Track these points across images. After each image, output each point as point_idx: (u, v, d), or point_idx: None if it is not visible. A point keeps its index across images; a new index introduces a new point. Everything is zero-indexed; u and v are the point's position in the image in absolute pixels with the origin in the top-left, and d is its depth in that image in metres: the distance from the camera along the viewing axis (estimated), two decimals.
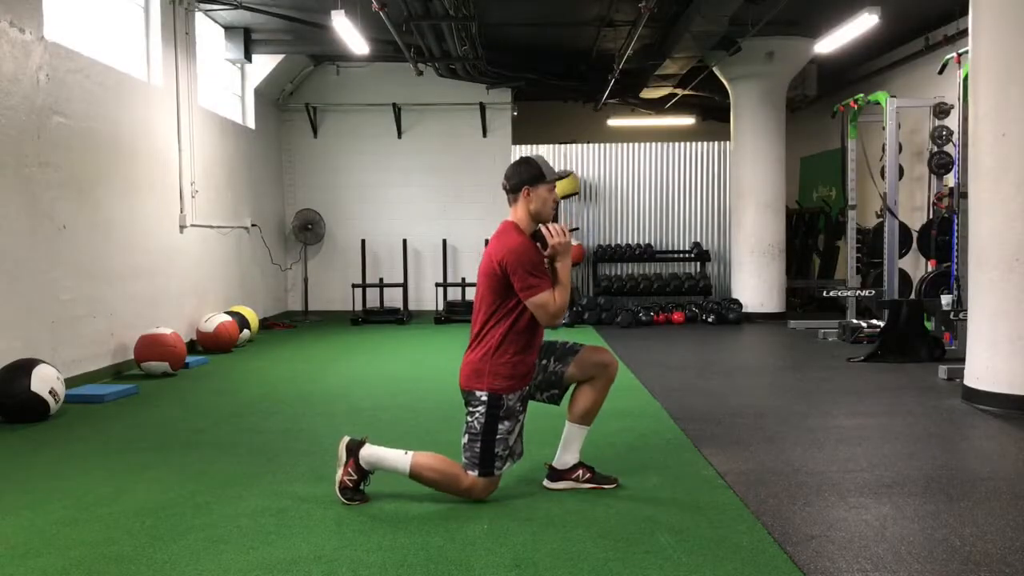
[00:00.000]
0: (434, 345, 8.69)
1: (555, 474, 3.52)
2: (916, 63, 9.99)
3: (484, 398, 3.29)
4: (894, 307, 7.36)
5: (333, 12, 7.42)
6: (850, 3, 7.92)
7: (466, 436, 3.35)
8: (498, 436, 3.30)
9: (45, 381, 5.00)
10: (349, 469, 3.37)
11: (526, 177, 3.39)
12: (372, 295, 11.56)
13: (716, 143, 12.29)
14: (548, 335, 3.50)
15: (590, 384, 3.46)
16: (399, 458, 3.35)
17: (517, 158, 3.51)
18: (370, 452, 3.38)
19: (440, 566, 2.70)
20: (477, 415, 3.31)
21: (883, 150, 8.61)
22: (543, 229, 3.36)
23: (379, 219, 11.94)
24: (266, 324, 10.24)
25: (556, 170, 3.40)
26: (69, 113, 6.12)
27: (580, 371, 3.45)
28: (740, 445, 4.27)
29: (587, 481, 3.48)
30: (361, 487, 3.40)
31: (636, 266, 11.99)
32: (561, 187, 10.94)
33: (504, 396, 3.30)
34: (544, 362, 3.46)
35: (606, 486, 3.48)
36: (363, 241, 11.70)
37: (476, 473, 3.31)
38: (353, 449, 3.40)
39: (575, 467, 3.51)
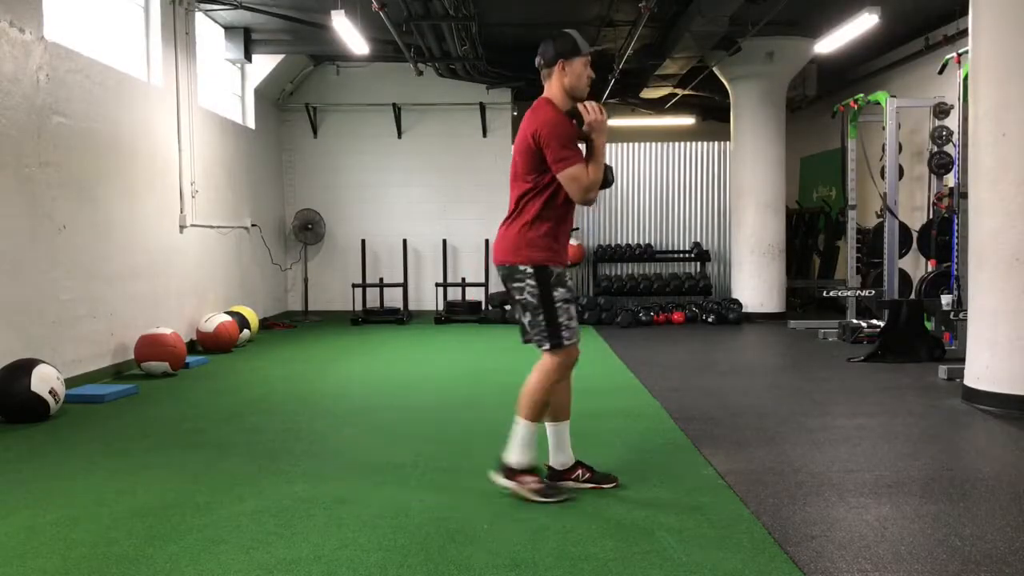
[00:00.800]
0: (434, 345, 8.69)
1: (555, 475, 3.49)
2: (916, 63, 9.99)
3: (529, 270, 3.28)
4: (894, 307, 7.36)
5: (333, 12, 7.42)
6: (850, 3, 7.92)
7: (527, 315, 3.33)
8: (557, 304, 3.28)
9: (45, 381, 5.00)
10: (522, 479, 3.34)
11: (561, 49, 3.34)
12: (372, 295, 11.56)
13: (716, 143, 12.30)
14: None
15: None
16: (519, 430, 3.34)
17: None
18: (512, 455, 3.36)
19: (440, 566, 2.70)
20: (528, 289, 3.29)
21: (883, 150, 8.61)
22: (580, 107, 3.33)
23: (379, 219, 11.94)
24: (266, 324, 10.24)
25: None
26: (69, 113, 6.12)
27: None
28: (740, 445, 4.27)
29: (587, 481, 3.46)
30: (542, 479, 3.39)
31: (636, 266, 12.00)
32: None
33: (549, 266, 3.29)
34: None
35: (606, 486, 3.47)
36: (363, 241, 11.70)
37: (548, 347, 3.30)
38: (507, 471, 3.37)
39: (574, 467, 3.49)
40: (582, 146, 3.35)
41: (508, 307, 10.82)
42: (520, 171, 3.34)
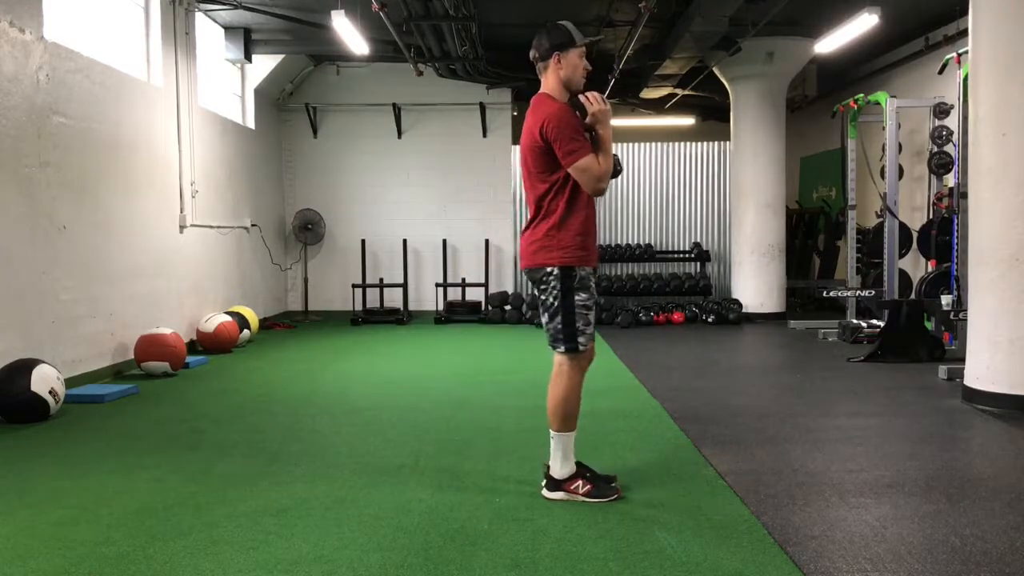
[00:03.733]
0: (434, 345, 8.69)
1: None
2: (916, 63, 9.99)
3: (555, 271, 3.26)
4: (894, 307, 7.36)
5: (333, 12, 7.42)
6: (850, 3, 7.92)
7: (545, 315, 3.32)
8: (577, 308, 3.26)
9: (45, 381, 5.00)
10: (572, 486, 3.32)
11: (556, 41, 3.31)
12: (372, 295, 11.56)
13: (716, 143, 12.30)
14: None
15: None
16: (554, 440, 3.33)
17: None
18: (554, 467, 3.36)
19: (440, 566, 2.70)
20: (551, 290, 3.27)
21: (883, 150, 8.61)
22: (582, 98, 3.29)
23: (379, 219, 11.93)
24: (266, 324, 10.24)
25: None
26: (69, 113, 6.12)
27: None
28: (740, 445, 4.27)
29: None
30: (590, 474, 3.39)
31: (636, 266, 12.00)
32: None
33: (576, 267, 3.26)
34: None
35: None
36: (363, 241, 11.70)
37: (562, 350, 3.28)
38: (553, 483, 3.36)
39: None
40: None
41: (508, 307, 10.83)
42: (533, 170, 3.31)
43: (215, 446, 4.39)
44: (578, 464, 3.46)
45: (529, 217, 3.38)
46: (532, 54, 3.39)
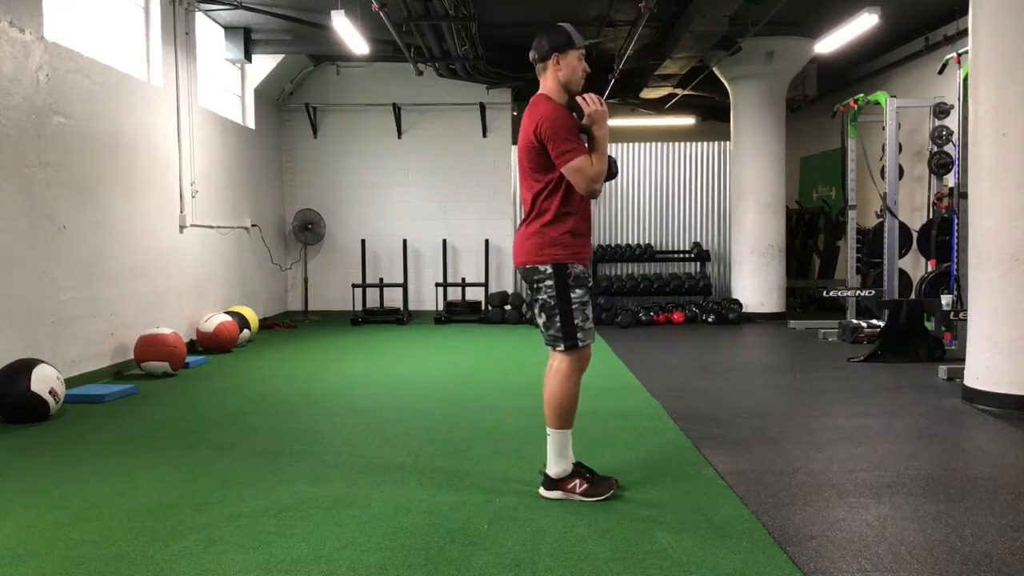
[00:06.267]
0: (434, 345, 8.69)
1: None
2: (916, 63, 9.99)
3: (549, 270, 3.27)
4: (894, 307, 7.36)
5: (333, 12, 7.43)
6: (850, 3, 7.92)
7: (543, 315, 3.32)
8: (574, 305, 3.26)
9: (45, 381, 5.00)
10: (570, 485, 3.33)
11: (556, 43, 3.32)
12: (372, 295, 11.56)
13: (716, 143, 12.30)
14: None
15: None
16: (551, 439, 3.34)
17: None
18: (551, 466, 3.36)
19: (440, 566, 2.70)
20: (546, 288, 3.28)
21: (883, 150, 8.61)
22: (579, 99, 3.30)
23: (379, 219, 11.94)
24: (266, 324, 10.24)
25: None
26: (69, 113, 6.12)
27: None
28: (740, 445, 4.27)
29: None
30: (588, 474, 3.38)
31: (636, 266, 12.00)
32: None
33: (570, 265, 3.27)
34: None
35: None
36: (363, 241, 11.70)
37: (562, 348, 3.28)
38: (550, 482, 3.36)
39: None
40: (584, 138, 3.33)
41: (508, 307, 10.83)
42: (528, 169, 3.32)
43: (215, 446, 4.39)
44: (578, 464, 3.46)
45: (524, 215, 3.39)
46: (532, 55, 3.40)
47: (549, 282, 3.28)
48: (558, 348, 3.32)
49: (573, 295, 3.28)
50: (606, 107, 3.35)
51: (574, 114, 3.32)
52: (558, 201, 3.26)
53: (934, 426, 4.72)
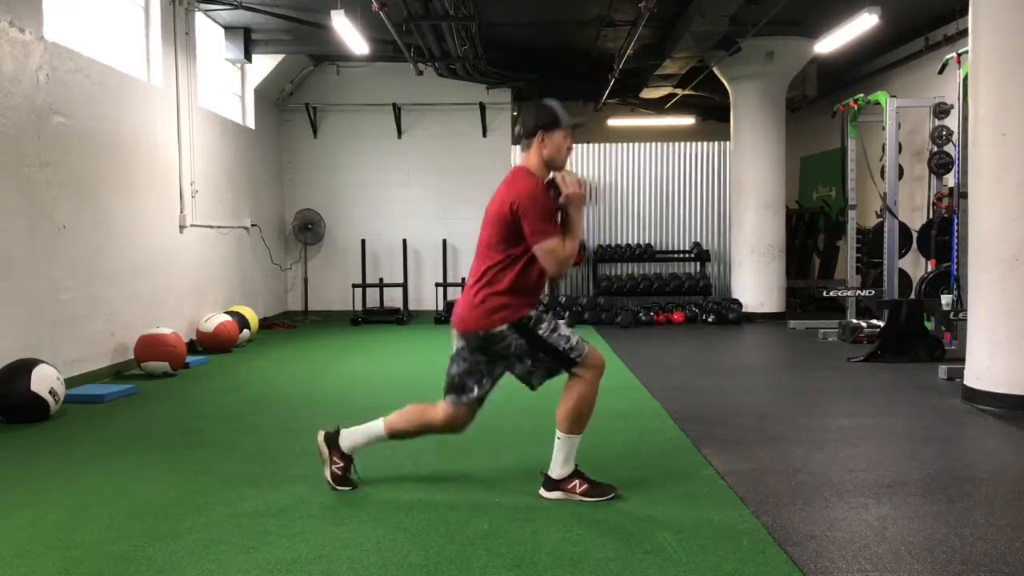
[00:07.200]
0: (434, 345, 8.68)
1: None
2: (916, 63, 9.99)
3: (505, 330, 3.23)
4: (894, 307, 7.35)
5: (333, 12, 7.42)
6: (850, 3, 7.92)
7: (527, 361, 3.28)
8: (547, 337, 3.25)
9: (45, 381, 5.00)
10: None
11: (542, 121, 3.31)
12: (372, 295, 11.56)
13: (716, 143, 12.30)
14: None
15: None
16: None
17: (533, 103, 3.43)
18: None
19: (440, 566, 2.70)
20: (513, 344, 3.25)
21: (883, 150, 8.61)
22: (559, 179, 3.30)
23: (379, 219, 11.94)
24: (266, 324, 10.24)
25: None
26: (69, 113, 6.12)
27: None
28: (740, 445, 4.27)
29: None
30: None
31: (636, 266, 12.00)
32: None
33: (523, 317, 3.25)
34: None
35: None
36: (363, 241, 11.70)
37: (569, 368, 3.27)
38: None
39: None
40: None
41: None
42: (492, 241, 3.27)
43: (215, 446, 4.39)
44: (578, 470, 3.44)
45: (470, 280, 3.35)
46: (516, 130, 3.44)
47: (515, 336, 3.26)
48: (566, 371, 3.31)
49: (540, 331, 3.26)
50: (584, 189, 3.36)
51: (551, 192, 3.30)
52: (515, 275, 3.24)
53: (934, 426, 4.72)
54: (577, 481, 3.36)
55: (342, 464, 3.49)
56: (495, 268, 3.25)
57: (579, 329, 9.85)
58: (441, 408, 3.45)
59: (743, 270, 10.90)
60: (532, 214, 3.17)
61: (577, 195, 3.27)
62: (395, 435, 3.50)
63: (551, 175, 3.34)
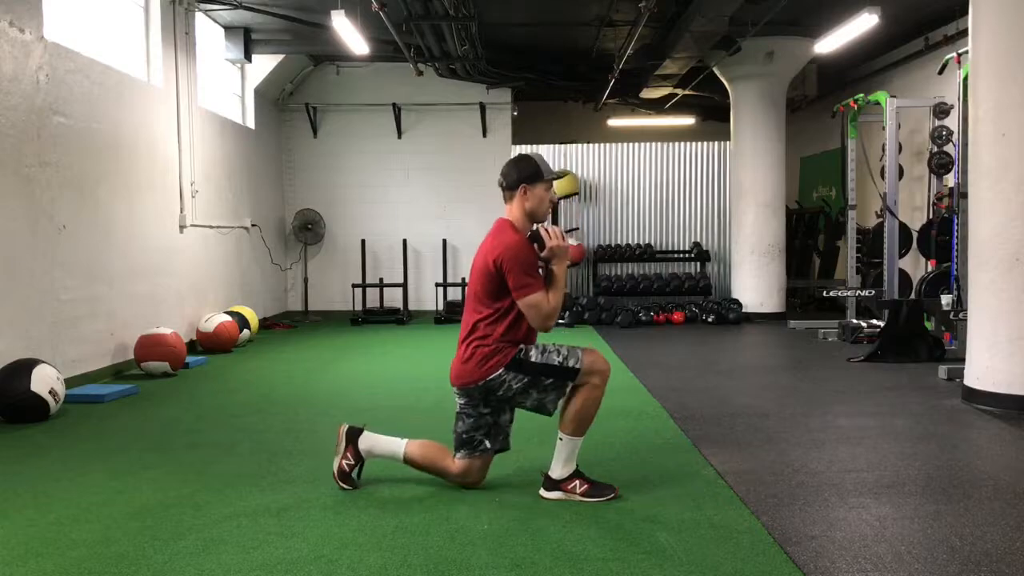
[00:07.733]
0: (434, 345, 8.69)
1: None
2: (916, 63, 9.99)
3: (502, 373, 3.28)
4: (894, 307, 7.35)
5: (333, 12, 7.42)
6: (850, 3, 7.92)
7: (532, 392, 3.30)
8: (540, 363, 3.27)
9: (45, 381, 5.00)
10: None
11: (524, 175, 3.36)
12: (372, 295, 11.56)
13: (716, 143, 12.29)
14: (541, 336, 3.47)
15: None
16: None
17: (515, 155, 3.49)
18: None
19: (440, 566, 2.70)
20: (516, 387, 3.29)
21: (883, 150, 8.61)
22: (542, 231, 3.33)
23: (379, 219, 11.94)
24: (266, 324, 10.24)
25: (554, 169, 3.37)
26: (69, 113, 6.12)
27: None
28: (740, 445, 4.27)
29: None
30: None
31: (636, 266, 11.99)
32: (560, 186, 10.94)
33: (515, 355, 3.29)
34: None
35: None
36: (363, 241, 11.70)
37: (571, 382, 3.28)
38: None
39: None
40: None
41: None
42: (480, 294, 3.33)
43: (215, 446, 4.39)
44: (574, 472, 3.43)
45: (461, 334, 3.38)
46: (500, 181, 3.45)
47: (511, 375, 3.29)
48: (571, 385, 3.31)
49: (533, 358, 3.29)
50: (567, 241, 3.39)
51: (535, 245, 3.32)
52: (504, 328, 3.29)
53: (934, 426, 4.72)
54: (577, 481, 3.36)
55: (352, 462, 3.50)
56: (484, 321, 3.31)
57: (579, 329, 9.86)
58: (456, 463, 3.45)
59: (743, 270, 10.90)
60: (516, 269, 3.21)
61: (560, 247, 3.30)
62: (410, 463, 3.50)
63: (535, 227, 3.38)
